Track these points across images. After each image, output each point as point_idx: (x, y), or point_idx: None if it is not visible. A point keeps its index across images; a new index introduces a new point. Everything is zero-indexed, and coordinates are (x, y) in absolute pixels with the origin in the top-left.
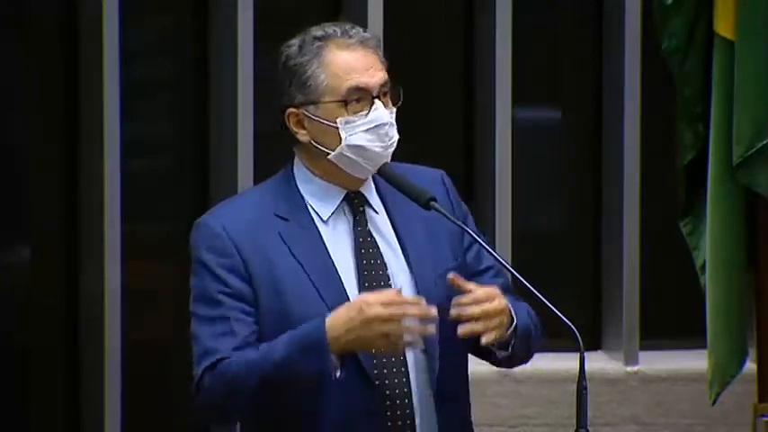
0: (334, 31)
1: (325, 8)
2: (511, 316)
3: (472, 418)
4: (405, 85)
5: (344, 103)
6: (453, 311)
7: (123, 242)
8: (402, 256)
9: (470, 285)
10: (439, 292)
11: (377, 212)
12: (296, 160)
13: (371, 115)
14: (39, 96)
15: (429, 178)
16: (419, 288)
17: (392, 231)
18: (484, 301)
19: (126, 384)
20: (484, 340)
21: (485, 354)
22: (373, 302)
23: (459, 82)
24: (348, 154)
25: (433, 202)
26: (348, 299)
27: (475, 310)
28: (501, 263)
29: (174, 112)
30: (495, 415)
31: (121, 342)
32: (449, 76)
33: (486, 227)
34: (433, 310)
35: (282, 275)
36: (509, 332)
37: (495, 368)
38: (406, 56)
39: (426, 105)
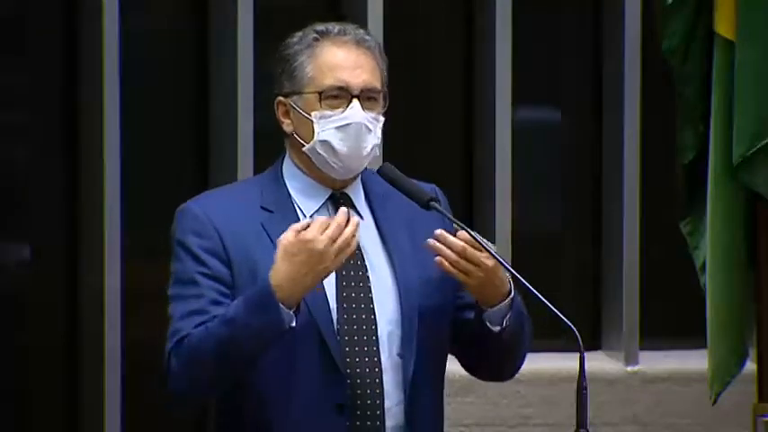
0: (333, 28)
1: (325, 8)
2: (509, 286)
3: (445, 416)
4: (404, 86)
5: (320, 95)
6: (434, 243)
7: (123, 242)
8: (386, 260)
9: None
10: (421, 297)
11: (362, 217)
12: (285, 155)
13: (346, 113)
14: (39, 97)
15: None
16: (401, 290)
17: (377, 236)
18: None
19: (126, 384)
20: (462, 278)
21: (466, 347)
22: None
23: (459, 82)
24: (318, 149)
25: (432, 203)
26: (324, 294)
27: (456, 248)
28: (501, 262)
29: (174, 112)
30: (495, 415)
31: (121, 342)
32: (449, 76)
33: (486, 227)
34: (354, 218)
35: (262, 265)
36: (504, 303)
37: None
38: (406, 56)
39: (426, 105)
